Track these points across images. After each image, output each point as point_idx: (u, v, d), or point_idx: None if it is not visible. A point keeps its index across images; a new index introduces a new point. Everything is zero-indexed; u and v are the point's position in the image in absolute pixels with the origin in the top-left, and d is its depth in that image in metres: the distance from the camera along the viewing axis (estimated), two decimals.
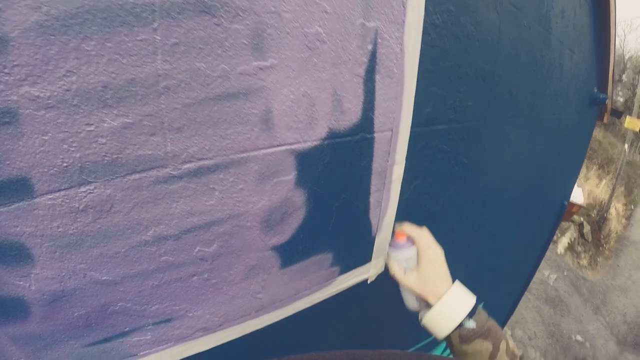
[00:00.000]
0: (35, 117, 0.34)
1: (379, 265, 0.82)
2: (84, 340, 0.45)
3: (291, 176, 0.56)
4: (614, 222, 9.20)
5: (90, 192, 0.39)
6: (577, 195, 7.31)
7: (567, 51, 1.34)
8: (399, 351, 0.36)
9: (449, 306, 0.57)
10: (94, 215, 0.40)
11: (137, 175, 0.41)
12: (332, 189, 0.63)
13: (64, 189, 0.37)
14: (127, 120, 0.38)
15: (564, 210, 2.24)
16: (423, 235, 0.62)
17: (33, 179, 0.35)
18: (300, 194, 0.58)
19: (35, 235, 0.37)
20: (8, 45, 0.30)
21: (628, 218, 9.98)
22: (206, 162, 0.46)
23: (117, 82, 0.36)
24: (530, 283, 2.57)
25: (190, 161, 0.44)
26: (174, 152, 0.43)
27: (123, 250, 0.43)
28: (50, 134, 0.35)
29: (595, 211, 9.21)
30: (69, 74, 0.34)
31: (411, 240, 0.62)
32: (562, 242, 7.43)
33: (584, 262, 7.28)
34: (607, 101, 1.93)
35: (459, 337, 0.55)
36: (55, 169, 0.36)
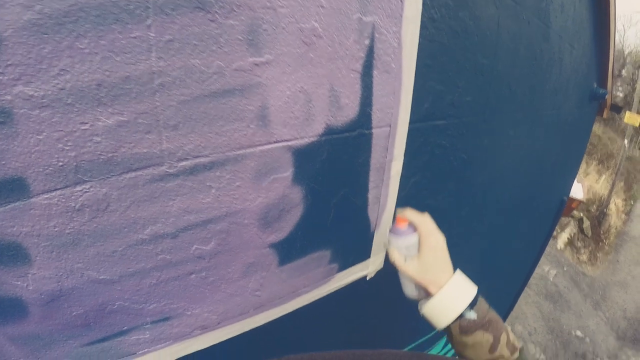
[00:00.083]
0: (29, 116, 0.33)
1: (378, 262, 0.82)
2: (83, 339, 0.45)
3: (288, 173, 0.55)
4: (614, 218, 9.21)
5: (86, 191, 0.39)
6: (577, 191, 7.32)
7: (566, 46, 1.33)
8: (399, 351, 0.36)
9: (449, 296, 0.55)
10: (91, 214, 0.40)
11: (133, 174, 0.41)
12: (330, 186, 0.63)
13: (59, 189, 0.37)
14: (122, 119, 0.38)
15: (563, 206, 2.24)
16: (425, 222, 0.60)
17: (29, 179, 0.35)
18: (298, 191, 0.58)
19: (32, 235, 0.37)
20: (1, 44, 0.30)
21: (628, 213, 9.99)
22: (202, 160, 0.46)
23: (111, 80, 0.36)
24: (530, 278, 2.58)
25: (186, 159, 0.44)
26: (170, 149, 0.42)
27: (120, 249, 0.43)
28: (45, 133, 0.35)
29: (594, 206, 9.21)
30: (62, 73, 0.34)
31: (413, 227, 0.60)
32: (562, 237, 7.44)
33: (584, 257, 7.30)
34: (606, 96, 1.93)
35: (459, 328, 0.54)
36: (50, 168, 0.36)
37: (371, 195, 0.71)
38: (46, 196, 0.37)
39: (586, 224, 8.11)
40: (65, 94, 0.34)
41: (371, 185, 0.70)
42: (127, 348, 0.50)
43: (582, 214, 8.35)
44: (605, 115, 2.26)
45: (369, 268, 0.81)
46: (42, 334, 0.42)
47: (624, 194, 10.78)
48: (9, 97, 0.32)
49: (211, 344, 0.59)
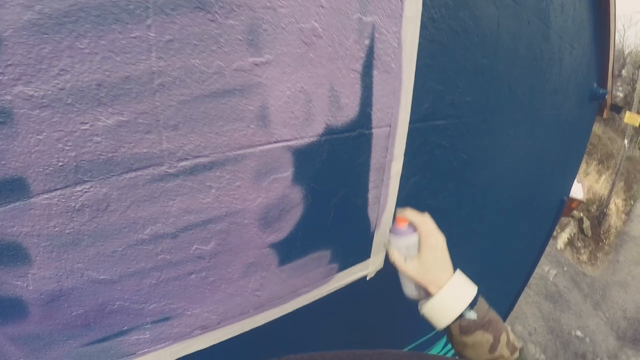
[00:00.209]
0: (29, 116, 0.33)
1: (378, 262, 0.82)
2: (83, 339, 0.45)
3: (288, 173, 0.55)
4: (614, 218, 9.21)
5: (86, 191, 0.39)
6: (577, 191, 7.31)
7: (566, 46, 1.33)
8: (399, 351, 0.36)
9: (449, 296, 0.55)
10: (91, 214, 0.40)
11: (133, 174, 0.41)
12: (330, 186, 0.63)
13: (59, 189, 0.37)
14: (122, 119, 0.38)
15: (563, 206, 2.24)
16: (425, 222, 0.60)
17: (29, 179, 0.35)
18: (298, 191, 0.58)
19: (32, 235, 0.37)
20: (1, 44, 0.30)
21: (628, 213, 9.99)
22: (202, 160, 0.46)
23: (111, 80, 0.36)
24: (530, 278, 2.58)
25: (186, 159, 0.44)
26: (170, 149, 0.42)
27: (120, 249, 0.43)
28: (45, 134, 0.35)
29: (594, 206, 9.21)
30: (62, 73, 0.34)
31: (413, 227, 0.60)
32: (562, 237, 7.44)
33: (584, 257, 7.30)
34: (606, 96, 1.93)
35: (459, 328, 0.54)
36: (50, 168, 0.36)
37: (371, 195, 0.71)
38: (46, 196, 0.37)
39: (586, 224, 8.11)
40: (65, 94, 0.34)
41: (371, 185, 0.70)
42: (127, 348, 0.50)
43: (582, 214, 8.35)
44: (605, 115, 2.26)
45: (369, 268, 0.81)
46: (42, 334, 0.42)
47: (624, 194, 10.78)
48: (9, 97, 0.32)
49: (211, 344, 0.59)
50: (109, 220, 0.41)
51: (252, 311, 0.62)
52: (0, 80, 0.31)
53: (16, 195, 0.35)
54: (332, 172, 0.62)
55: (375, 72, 0.60)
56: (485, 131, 1.00)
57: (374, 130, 0.64)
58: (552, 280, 6.23)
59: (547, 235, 2.32)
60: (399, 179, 0.75)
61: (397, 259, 0.60)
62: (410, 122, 0.71)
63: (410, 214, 0.61)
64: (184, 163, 0.44)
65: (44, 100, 0.33)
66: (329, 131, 0.58)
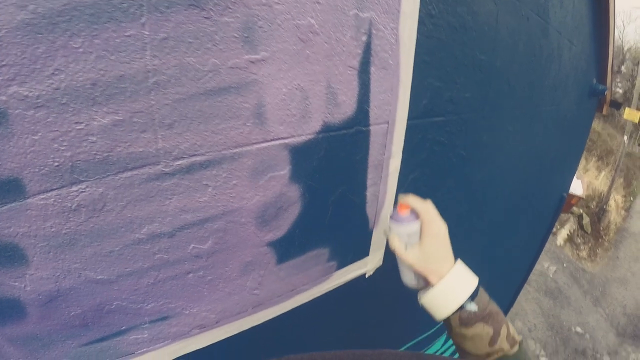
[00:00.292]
0: (24, 116, 0.33)
1: (377, 259, 0.82)
2: (81, 339, 0.45)
3: (285, 171, 0.55)
4: (613, 214, 9.22)
5: (82, 191, 0.39)
6: (577, 187, 7.31)
7: (565, 42, 1.33)
8: (399, 351, 0.36)
9: (450, 287, 0.54)
10: (87, 214, 0.40)
11: (129, 173, 0.41)
12: (328, 183, 0.63)
13: (55, 189, 0.37)
14: (117, 118, 0.38)
15: (563, 202, 2.24)
16: (427, 209, 0.58)
17: (24, 180, 0.35)
18: (295, 189, 0.58)
19: (28, 236, 0.37)
20: None
21: (627, 210, 10.00)
22: (198, 158, 0.45)
23: (106, 79, 0.36)
24: (530, 275, 2.58)
25: (182, 157, 0.44)
26: (166, 148, 0.42)
27: (117, 248, 0.43)
28: (40, 134, 0.34)
29: (594, 203, 9.22)
30: (57, 73, 0.33)
31: (415, 214, 0.58)
32: (562, 233, 7.44)
33: (584, 253, 7.31)
34: (606, 92, 1.92)
35: (459, 320, 0.53)
36: (46, 168, 0.36)
37: (369, 193, 0.71)
38: (42, 196, 0.36)
39: (586, 220, 8.12)
40: (60, 93, 0.34)
41: (369, 182, 0.70)
42: (126, 348, 0.50)
43: (581, 211, 8.36)
44: (604, 111, 2.25)
45: (367, 266, 0.81)
46: (41, 335, 0.42)
47: (623, 190, 10.78)
48: (3, 98, 0.32)
49: (210, 343, 0.59)
50: (105, 220, 0.41)
51: (250, 310, 0.62)
52: None
53: (12, 196, 0.35)
54: (330, 170, 0.61)
55: (372, 69, 0.59)
56: (484, 127, 1.00)
57: (371, 127, 0.64)
58: (551, 277, 6.24)
59: (547, 231, 2.32)
60: (397, 176, 0.75)
61: (397, 246, 0.58)
62: (409, 119, 0.70)
63: (412, 200, 0.59)
64: (180, 162, 0.44)
65: (38, 101, 0.33)
66: (326, 128, 0.58)
